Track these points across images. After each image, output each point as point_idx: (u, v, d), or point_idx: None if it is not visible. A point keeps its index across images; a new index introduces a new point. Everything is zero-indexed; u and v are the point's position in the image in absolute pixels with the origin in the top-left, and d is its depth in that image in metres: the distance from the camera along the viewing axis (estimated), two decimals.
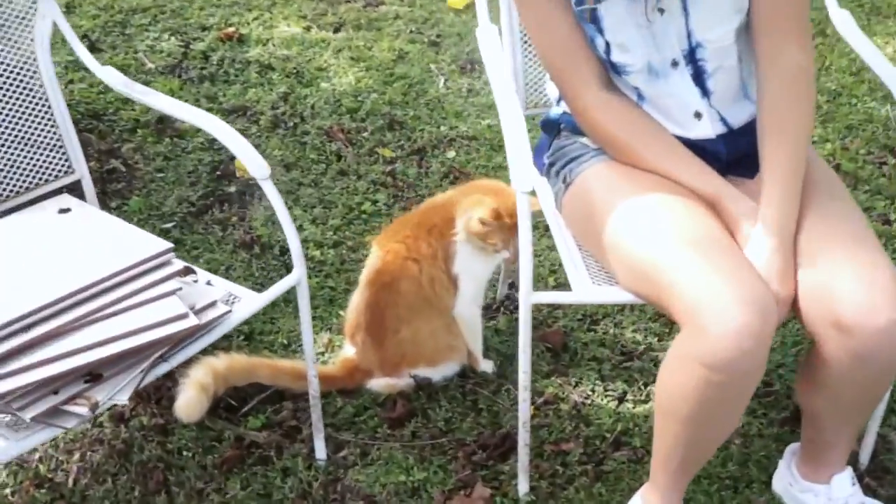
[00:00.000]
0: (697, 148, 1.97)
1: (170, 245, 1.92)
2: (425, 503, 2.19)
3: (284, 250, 2.87)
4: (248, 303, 2.01)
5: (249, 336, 2.59)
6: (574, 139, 2.10)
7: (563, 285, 2.64)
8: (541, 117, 2.24)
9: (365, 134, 3.34)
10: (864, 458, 2.26)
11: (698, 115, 1.98)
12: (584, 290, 2.00)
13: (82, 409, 1.74)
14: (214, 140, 3.27)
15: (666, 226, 1.85)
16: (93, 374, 1.77)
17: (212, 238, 2.89)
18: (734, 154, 2.01)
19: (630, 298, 1.96)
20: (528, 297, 1.96)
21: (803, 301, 1.82)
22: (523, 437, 2.14)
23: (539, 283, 2.73)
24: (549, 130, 2.17)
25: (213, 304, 1.93)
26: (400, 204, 3.05)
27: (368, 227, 2.96)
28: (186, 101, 3.08)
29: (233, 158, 3.22)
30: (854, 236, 1.85)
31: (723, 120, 1.99)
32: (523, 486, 2.21)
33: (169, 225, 2.93)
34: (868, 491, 2.15)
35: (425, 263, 2.35)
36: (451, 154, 3.25)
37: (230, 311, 1.95)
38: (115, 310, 1.81)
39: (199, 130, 3.35)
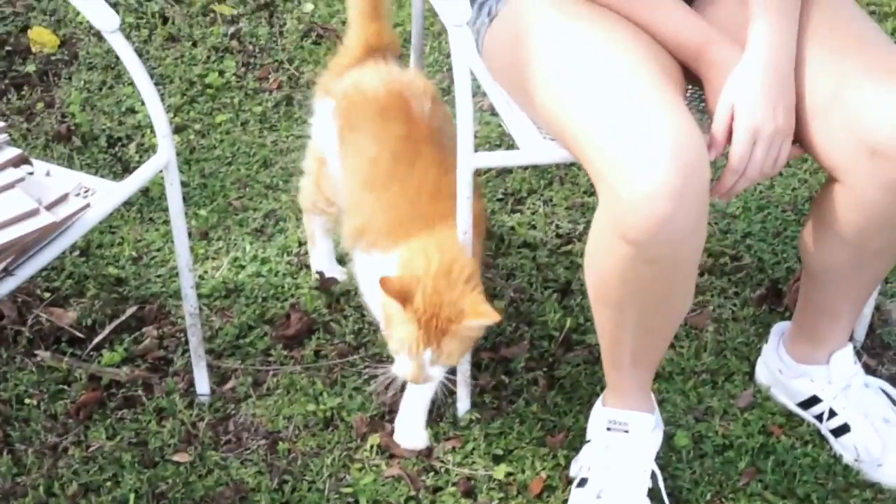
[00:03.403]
0: None
1: (0, 124, 1.83)
2: (344, 434, 2.18)
3: (113, 140, 2.78)
4: (107, 195, 1.94)
5: (86, 251, 2.50)
6: None
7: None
8: None
9: None
10: (860, 333, 2.36)
11: None
12: (535, 146, 1.99)
13: None
14: None
15: (591, 64, 1.84)
16: None
17: (15, 132, 2.77)
18: None
19: None
20: (470, 160, 1.94)
21: (819, 129, 1.86)
22: None
23: None
24: None
25: (64, 199, 1.86)
26: (254, 73, 2.98)
27: (218, 104, 2.89)
28: None
29: (23, 29, 3.08)
30: (875, 45, 1.89)
31: None
32: (464, 403, 2.22)
33: None
34: (867, 370, 2.24)
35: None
36: (309, 7, 3.19)
37: (88, 206, 1.88)
38: None
39: None
